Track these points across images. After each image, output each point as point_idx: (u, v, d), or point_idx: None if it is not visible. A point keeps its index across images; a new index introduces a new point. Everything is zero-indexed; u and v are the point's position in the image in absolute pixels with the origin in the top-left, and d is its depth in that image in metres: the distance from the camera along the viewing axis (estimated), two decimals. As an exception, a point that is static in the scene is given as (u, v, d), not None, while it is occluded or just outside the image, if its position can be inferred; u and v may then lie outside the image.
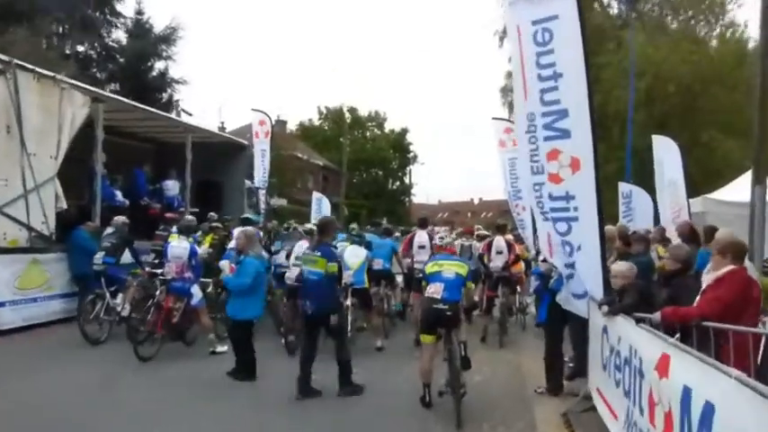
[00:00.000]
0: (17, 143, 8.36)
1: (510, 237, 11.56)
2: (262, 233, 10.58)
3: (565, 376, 6.65)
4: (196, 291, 7.59)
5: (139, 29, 24.95)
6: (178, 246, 7.58)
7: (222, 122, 35.97)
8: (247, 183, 16.29)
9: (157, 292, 7.54)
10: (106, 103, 10.06)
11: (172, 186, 13.17)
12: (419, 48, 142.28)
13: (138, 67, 24.84)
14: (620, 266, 5.34)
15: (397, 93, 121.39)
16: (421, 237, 9.79)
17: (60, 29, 22.64)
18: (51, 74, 8.95)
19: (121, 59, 24.63)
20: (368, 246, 9.86)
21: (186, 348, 7.80)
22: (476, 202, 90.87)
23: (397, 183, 58.36)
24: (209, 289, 8.22)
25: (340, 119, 48.25)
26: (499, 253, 9.91)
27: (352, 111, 53.53)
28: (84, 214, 10.15)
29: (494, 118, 13.49)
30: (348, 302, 8.16)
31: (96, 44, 23.89)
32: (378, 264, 9.94)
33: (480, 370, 7.02)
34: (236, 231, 11.20)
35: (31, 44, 18.35)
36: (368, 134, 55.30)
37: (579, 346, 6.32)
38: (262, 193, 17.30)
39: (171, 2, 47.65)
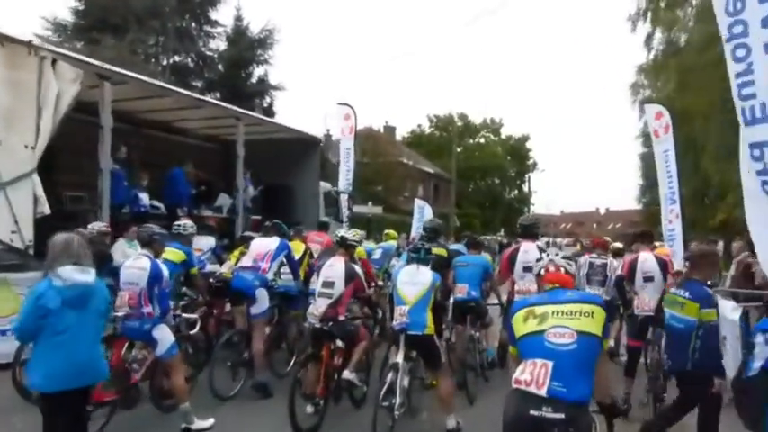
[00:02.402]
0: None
1: (665, 250, 7.68)
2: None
3: None
4: (161, 334, 4.76)
5: (237, 35, 23.77)
6: (132, 265, 4.85)
7: (328, 130, 34.25)
8: (325, 186, 13.62)
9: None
10: (112, 79, 7.75)
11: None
12: (538, 52, 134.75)
13: (237, 74, 23.63)
14: None
15: (516, 98, 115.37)
16: (528, 254, 5.83)
17: (156, 41, 21.90)
18: (25, 38, 6.79)
19: (219, 67, 23.57)
20: (449, 262, 6.65)
21: (159, 418, 5.07)
22: (602, 211, 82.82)
23: (515, 192, 53.85)
24: (191, 329, 5.40)
25: (450, 125, 44.99)
26: (648, 279, 6.12)
27: (463, 117, 50.13)
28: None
29: (643, 102, 12.05)
30: (399, 358, 4.97)
31: (193, 54, 22.95)
32: (461, 291, 6.66)
33: None
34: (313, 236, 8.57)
35: (117, 51, 17.37)
36: (481, 141, 51.50)
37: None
38: (344, 198, 14.60)
39: (266, 7, 47.00)
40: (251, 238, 6.93)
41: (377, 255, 9.33)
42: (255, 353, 5.82)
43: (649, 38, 21.78)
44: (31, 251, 6.73)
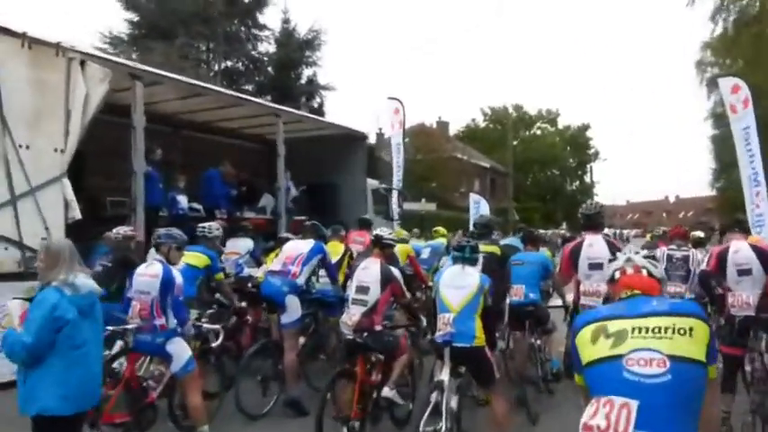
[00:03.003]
0: (-2, 132, 5.99)
1: (755, 238, 6.59)
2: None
3: None
4: (176, 348, 4.26)
5: (285, 37, 23.60)
6: (143, 272, 4.37)
7: (380, 128, 33.77)
8: (373, 183, 13.00)
9: (112, 351, 4.42)
10: (144, 79, 7.41)
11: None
12: (591, 37, 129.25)
13: (287, 75, 23.47)
14: None
15: (572, 87, 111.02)
16: (594, 248, 4.88)
17: (207, 46, 22.01)
18: (53, 40, 6.52)
19: (269, 69, 23.48)
20: (503, 261, 5.87)
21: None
22: (671, 199, 78.24)
23: (576, 183, 51.61)
24: (217, 340, 4.86)
25: (505, 117, 43.51)
26: (745, 273, 5.03)
27: (518, 108, 48.45)
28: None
29: (717, 76, 11.00)
30: (445, 375, 4.26)
31: (243, 57, 22.95)
32: (518, 294, 5.87)
33: None
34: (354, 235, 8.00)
35: (166, 56, 17.45)
36: (538, 132, 49.66)
37: None
38: (394, 194, 13.94)
39: (313, 7, 46.72)
40: (288, 240, 6.40)
41: (425, 254, 8.62)
42: (287, 366, 5.26)
43: (718, 10, 20.01)
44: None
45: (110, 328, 4.27)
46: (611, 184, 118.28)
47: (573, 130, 50.69)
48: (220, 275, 5.65)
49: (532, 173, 47.06)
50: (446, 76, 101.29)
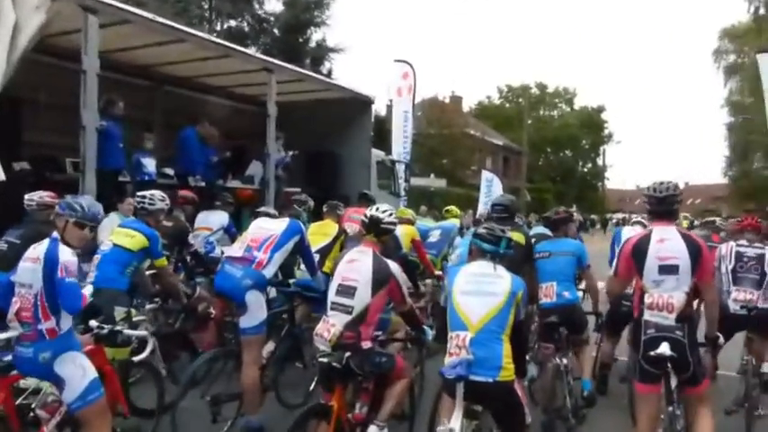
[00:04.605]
0: None
1: None
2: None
3: None
4: (70, 368, 2.85)
5: (293, -5, 21.82)
6: (27, 256, 2.95)
7: (391, 100, 32.05)
8: (378, 154, 11.50)
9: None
10: (100, 13, 5.95)
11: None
12: (612, 17, 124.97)
13: (294, 37, 21.79)
14: None
15: (590, 66, 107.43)
16: (666, 244, 3.38)
17: (210, 4, 20.34)
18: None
19: (275, 31, 21.79)
20: (528, 252, 4.50)
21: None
22: (680, 186, 75.86)
23: (589, 165, 49.78)
24: (144, 353, 3.44)
25: (523, 94, 41.53)
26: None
27: (541, 87, 46.43)
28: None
29: (758, 51, 10.35)
30: (456, 421, 2.88)
31: (248, 16, 21.26)
32: (548, 294, 4.47)
33: None
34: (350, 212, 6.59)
35: (161, 12, 15.84)
36: (554, 112, 47.67)
37: None
38: (400, 168, 12.50)
39: None
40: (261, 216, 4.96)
41: (434, 236, 7.18)
42: (245, 384, 3.89)
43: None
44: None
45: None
46: (622, 167, 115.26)
47: (589, 111, 48.65)
48: (162, 261, 4.22)
49: (545, 153, 45.28)
50: (460, 51, 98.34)
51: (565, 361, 4.43)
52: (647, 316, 3.39)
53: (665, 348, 3.18)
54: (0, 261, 4.03)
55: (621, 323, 5.00)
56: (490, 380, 2.92)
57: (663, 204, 3.59)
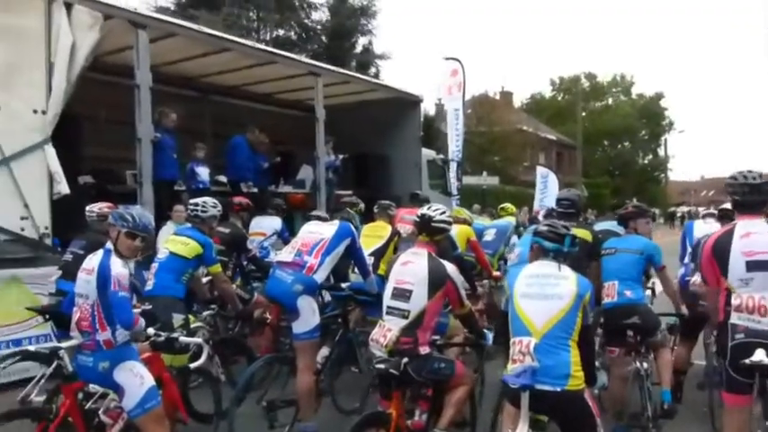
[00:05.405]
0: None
1: None
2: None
3: None
4: (128, 376, 2.88)
5: (339, 3, 22.00)
6: (84, 267, 2.98)
7: (439, 99, 31.75)
8: (429, 153, 11.33)
9: (39, 378, 3.10)
10: (149, 27, 6.08)
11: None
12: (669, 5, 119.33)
13: (340, 45, 21.93)
14: None
15: (648, 53, 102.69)
16: (753, 238, 3.00)
17: (257, 15, 20.72)
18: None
19: (323, 38, 21.98)
20: (595, 251, 4.23)
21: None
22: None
23: (649, 156, 47.60)
24: (200, 360, 3.41)
25: (575, 85, 40.20)
26: None
27: (591, 77, 44.84)
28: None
29: None
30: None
31: (295, 25, 21.54)
32: (609, 293, 4.26)
33: None
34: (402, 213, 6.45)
35: (211, 25, 16.29)
36: (610, 101, 45.89)
37: None
38: (453, 166, 12.28)
39: None
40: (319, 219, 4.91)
41: (489, 235, 6.95)
42: (300, 390, 3.83)
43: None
44: (48, 240, 5.27)
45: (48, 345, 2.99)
46: (685, 157, 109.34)
47: (646, 100, 46.56)
48: (216, 267, 4.22)
49: (601, 146, 43.66)
50: (510, 45, 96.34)
51: (645, 365, 4.12)
52: (735, 319, 3.04)
53: (761, 356, 2.85)
54: (67, 271, 4.17)
55: (698, 325, 4.63)
56: (558, 389, 2.71)
57: (756, 193, 3.17)
